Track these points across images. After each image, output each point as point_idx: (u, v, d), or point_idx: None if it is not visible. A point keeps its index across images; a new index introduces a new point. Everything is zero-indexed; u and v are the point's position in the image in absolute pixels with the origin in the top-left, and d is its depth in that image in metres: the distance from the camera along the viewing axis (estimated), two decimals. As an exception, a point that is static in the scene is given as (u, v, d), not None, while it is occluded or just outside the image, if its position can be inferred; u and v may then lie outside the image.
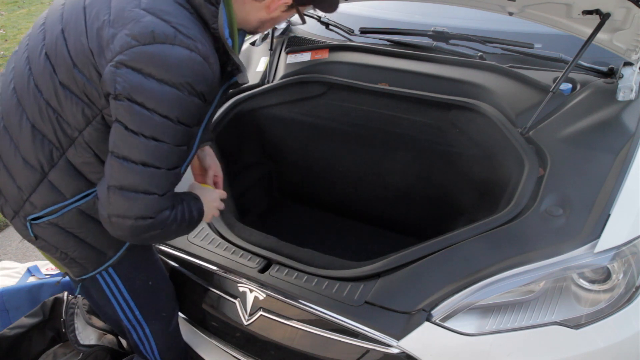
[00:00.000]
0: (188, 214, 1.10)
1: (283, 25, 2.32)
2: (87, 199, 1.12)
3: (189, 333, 1.67)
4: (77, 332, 1.69)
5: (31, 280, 2.08)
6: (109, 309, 1.36)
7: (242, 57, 2.20)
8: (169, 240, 1.11)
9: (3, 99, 1.13)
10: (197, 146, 1.19)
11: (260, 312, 1.33)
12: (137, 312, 1.36)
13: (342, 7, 2.29)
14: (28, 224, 1.14)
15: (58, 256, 1.20)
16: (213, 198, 1.23)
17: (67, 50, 1.02)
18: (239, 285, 1.35)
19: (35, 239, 1.17)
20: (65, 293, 1.80)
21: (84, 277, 1.24)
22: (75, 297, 1.79)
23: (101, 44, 0.96)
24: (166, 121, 0.95)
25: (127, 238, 1.05)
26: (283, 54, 2.13)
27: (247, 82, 1.11)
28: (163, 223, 1.03)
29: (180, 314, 1.62)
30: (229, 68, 1.09)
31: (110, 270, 1.26)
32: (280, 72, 2.05)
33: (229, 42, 1.05)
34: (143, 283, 1.34)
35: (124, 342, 1.75)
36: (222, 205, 1.28)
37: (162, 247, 1.49)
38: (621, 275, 1.14)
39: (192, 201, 1.13)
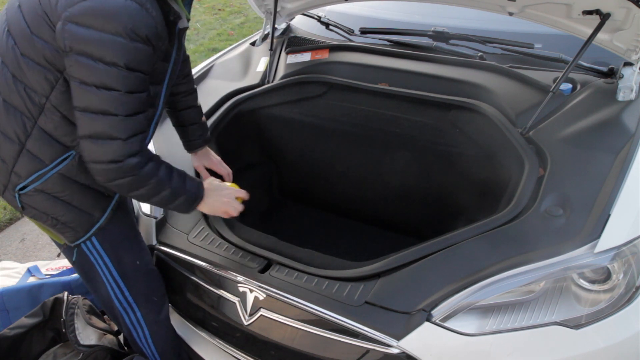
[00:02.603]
0: (177, 180, 1.20)
1: (283, 26, 2.32)
2: (66, 163, 1.20)
3: (189, 332, 1.67)
4: (77, 332, 1.69)
5: (31, 280, 2.08)
6: (102, 289, 1.42)
7: (242, 57, 2.22)
8: (154, 198, 1.20)
9: None
10: (163, 107, 1.31)
11: (261, 312, 1.33)
12: (127, 293, 1.43)
13: (342, 7, 2.30)
14: (16, 194, 1.22)
15: (50, 223, 1.27)
16: (227, 194, 1.33)
17: (24, 21, 1.10)
18: (239, 285, 1.35)
19: (24, 209, 1.25)
20: (65, 293, 1.80)
21: (78, 242, 1.31)
22: (75, 297, 1.79)
23: (50, 4, 1.05)
24: (113, 69, 1.02)
25: (107, 183, 1.13)
26: (283, 54, 2.13)
27: (187, 26, 1.18)
28: (133, 170, 1.12)
29: (180, 313, 1.62)
30: (172, 17, 1.14)
31: (96, 243, 1.34)
32: (280, 72, 2.05)
33: None
34: (131, 262, 1.41)
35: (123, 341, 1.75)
36: (237, 205, 1.36)
37: (162, 247, 1.49)
38: (621, 276, 1.14)
39: (192, 179, 1.25)
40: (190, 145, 1.61)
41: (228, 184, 1.43)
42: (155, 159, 1.19)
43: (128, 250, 1.41)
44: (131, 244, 1.42)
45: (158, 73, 1.23)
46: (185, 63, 1.51)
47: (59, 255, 1.55)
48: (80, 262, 1.39)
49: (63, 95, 1.13)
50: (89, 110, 1.05)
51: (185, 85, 1.53)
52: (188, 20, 1.20)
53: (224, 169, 1.66)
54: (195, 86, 1.58)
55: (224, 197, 1.34)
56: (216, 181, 1.37)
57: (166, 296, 1.55)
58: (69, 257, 1.41)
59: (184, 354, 1.67)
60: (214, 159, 1.65)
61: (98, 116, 1.06)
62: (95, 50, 1.00)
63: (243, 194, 1.41)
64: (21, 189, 1.21)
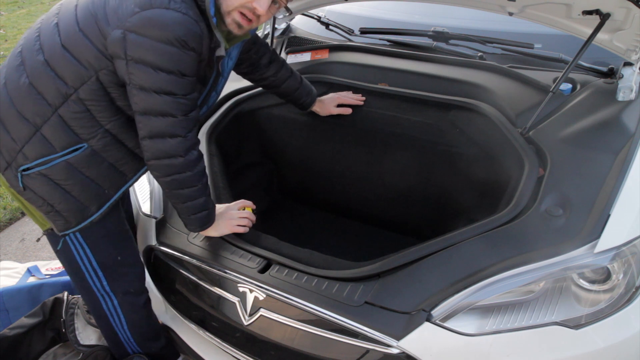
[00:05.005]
0: (209, 193, 1.33)
1: (283, 26, 2.32)
2: (76, 154, 1.25)
3: (188, 332, 1.68)
4: (77, 332, 1.69)
5: (31, 280, 2.08)
6: (82, 278, 1.45)
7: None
8: (188, 203, 1.30)
9: (8, 61, 1.26)
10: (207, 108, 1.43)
11: (260, 312, 1.33)
12: (104, 283, 1.46)
13: (342, 7, 2.30)
14: (19, 174, 1.25)
15: (44, 209, 1.30)
16: (230, 216, 1.43)
17: (75, 17, 1.17)
18: (239, 285, 1.35)
19: (24, 190, 1.27)
20: (65, 293, 1.80)
21: (67, 232, 1.34)
22: (75, 297, 1.80)
23: (105, 12, 1.13)
24: (170, 75, 1.12)
25: (163, 178, 1.24)
26: (283, 54, 2.13)
27: (223, 55, 1.24)
28: (192, 165, 1.24)
29: (180, 313, 1.62)
30: (212, 44, 1.22)
31: (79, 236, 1.36)
32: (280, 72, 2.05)
33: (214, 20, 1.17)
34: (112, 256, 1.44)
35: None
36: (243, 222, 1.44)
37: (162, 248, 1.49)
38: (621, 276, 1.14)
39: (212, 201, 1.37)
40: (303, 106, 1.79)
41: (232, 203, 1.48)
42: (203, 159, 1.30)
43: (110, 246, 1.43)
44: (115, 240, 1.45)
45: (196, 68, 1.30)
46: (262, 49, 1.63)
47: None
48: (64, 251, 1.42)
49: (91, 91, 1.19)
50: (150, 113, 1.15)
51: (271, 69, 1.66)
52: (226, 49, 1.26)
53: (348, 97, 1.82)
54: (279, 59, 1.69)
55: (228, 218, 1.42)
56: (221, 206, 1.46)
57: (145, 289, 1.57)
58: (53, 244, 1.43)
59: (163, 338, 1.68)
60: (332, 98, 1.81)
61: (158, 118, 1.16)
62: (153, 58, 1.09)
63: (248, 204, 1.49)
64: (25, 170, 1.24)
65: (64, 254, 1.42)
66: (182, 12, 1.09)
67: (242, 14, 1.19)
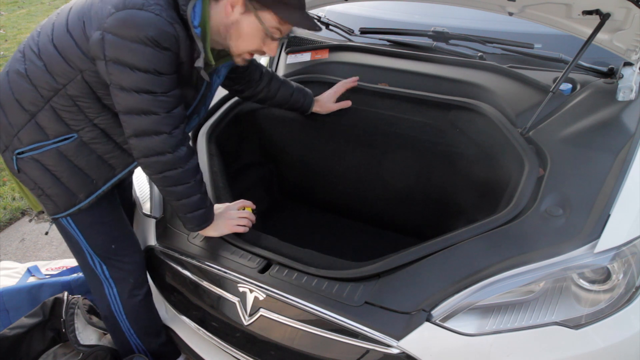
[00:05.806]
0: (205, 191, 1.35)
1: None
2: (66, 142, 1.30)
3: (189, 332, 1.68)
4: (77, 332, 1.70)
5: (31, 280, 2.09)
6: (84, 258, 1.49)
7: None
8: (184, 200, 1.30)
9: (15, 52, 1.33)
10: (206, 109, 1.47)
11: (260, 313, 1.33)
12: (104, 268, 1.49)
13: (342, 7, 2.30)
14: (14, 157, 1.32)
15: (36, 192, 1.36)
16: (230, 216, 1.43)
17: (67, 18, 1.23)
18: (239, 285, 1.35)
19: (18, 172, 1.34)
20: (65, 293, 1.80)
21: (56, 216, 1.39)
22: (75, 297, 1.80)
23: (90, 16, 1.17)
24: (149, 75, 1.13)
25: (155, 175, 1.25)
26: (283, 54, 2.13)
27: (201, 66, 1.23)
28: (183, 161, 1.25)
29: (180, 313, 1.62)
30: (196, 55, 1.23)
31: (71, 222, 1.40)
32: (280, 72, 2.05)
33: (197, 30, 1.18)
34: (105, 245, 1.47)
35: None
36: (242, 222, 1.45)
37: (162, 248, 1.49)
38: (621, 276, 1.14)
39: (209, 200, 1.37)
40: (303, 108, 1.80)
41: (232, 203, 1.48)
42: (196, 156, 1.32)
43: (102, 234, 1.46)
44: (107, 229, 1.47)
45: (186, 98, 1.34)
46: (248, 72, 1.63)
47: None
48: (61, 231, 1.47)
49: (79, 89, 1.23)
50: (132, 112, 1.17)
51: (262, 82, 1.66)
52: (209, 63, 1.26)
53: (342, 87, 1.83)
54: (268, 71, 1.69)
55: (228, 218, 1.42)
56: (220, 205, 1.47)
57: (146, 280, 1.58)
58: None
59: (164, 335, 1.69)
60: (329, 95, 1.82)
61: (141, 116, 1.17)
62: (128, 58, 1.11)
63: (248, 204, 1.49)
64: (19, 153, 1.31)
65: (64, 233, 1.46)
66: (155, 13, 1.11)
67: (251, 54, 1.27)
